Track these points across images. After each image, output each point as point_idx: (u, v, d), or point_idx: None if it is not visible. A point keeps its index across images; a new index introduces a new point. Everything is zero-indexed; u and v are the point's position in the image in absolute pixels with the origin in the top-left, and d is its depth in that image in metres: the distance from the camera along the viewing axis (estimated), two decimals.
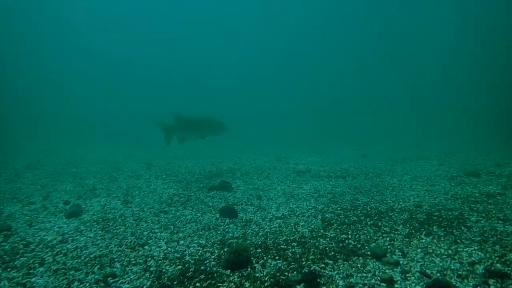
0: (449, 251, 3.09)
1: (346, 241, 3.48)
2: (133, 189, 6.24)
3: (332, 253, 3.17)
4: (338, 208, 4.76)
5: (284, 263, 2.99)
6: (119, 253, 3.36)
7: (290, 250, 3.30)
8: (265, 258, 3.13)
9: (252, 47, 48.71)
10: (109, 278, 2.82)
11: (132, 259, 3.20)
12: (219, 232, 3.98)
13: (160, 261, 3.16)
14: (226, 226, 4.17)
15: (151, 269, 3.00)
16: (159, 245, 3.57)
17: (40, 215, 4.69)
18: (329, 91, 40.31)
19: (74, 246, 3.52)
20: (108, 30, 45.91)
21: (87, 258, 3.22)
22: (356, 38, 41.28)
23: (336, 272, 2.78)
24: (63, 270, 2.97)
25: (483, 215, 4.07)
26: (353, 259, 3.02)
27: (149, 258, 3.23)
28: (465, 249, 3.11)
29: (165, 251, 3.41)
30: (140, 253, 3.36)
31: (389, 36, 37.99)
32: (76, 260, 3.18)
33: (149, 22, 47.43)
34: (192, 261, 3.14)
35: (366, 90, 38.21)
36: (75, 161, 10.14)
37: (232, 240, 3.68)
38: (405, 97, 35.41)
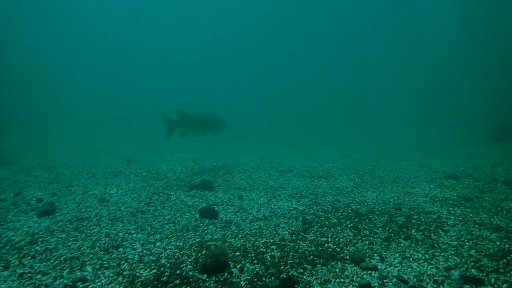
0: (426, 256, 3.11)
1: (326, 244, 3.46)
2: (111, 187, 6.05)
3: (311, 257, 3.14)
4: (319, 210, 4.75)
5: (263, 267, 2.93)
6: (91, 255, 3.22)
7: (269, 254, 3.24)
8: (243, 262, 3.06)
9: (245, 46, 48.65)
10: (79, 283, 2.69)
11: (105, 262, 3.07)
12: (197, 233, 3.88)
13: (134, 265, 3.05)
14: (205, 227, 4.08)
15: (125, 273, 2.89)
16: (135, 247, 3.45)
17: (10, 213, 4.47)
18: (315, 91, 40.61)
19: (43, 248, 3.35)
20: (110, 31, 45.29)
21: (57, 261, 3.07)
22: (348, 38, 41.71)
23: (314, 277, 2.74)
24: (29, 274, 2.82)
25: (460, 218, 4.13)
26: (332, 263, 3.00)
27: (123, 261, 3.11)
28: (442, 254, 3.14)
29: (141, 253, 3.30)
30: (114, 255, 3.24)
31: (380, 37, 38.52)
32: (44, 263, 3.03)
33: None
34: (168, 265, 3.04)
35: (352, 91, 38.70)
36: (53, 156, 9.79)
37: (210, 242, 3.59)
38: (392, 98, 36.06)
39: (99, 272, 2.89)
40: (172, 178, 6.87)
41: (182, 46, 49.78)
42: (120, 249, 3.38)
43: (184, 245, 3.52)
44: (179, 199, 5.30)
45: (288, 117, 30.74)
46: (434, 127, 22.14)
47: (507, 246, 3.23)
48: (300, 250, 3.32)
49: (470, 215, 4.25)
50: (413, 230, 3.78)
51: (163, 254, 3.28)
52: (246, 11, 46.45)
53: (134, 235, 3.79)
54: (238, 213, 4.67)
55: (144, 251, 3.35)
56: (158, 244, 3.55)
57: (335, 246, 3.41)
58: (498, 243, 3.32)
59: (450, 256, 3.07)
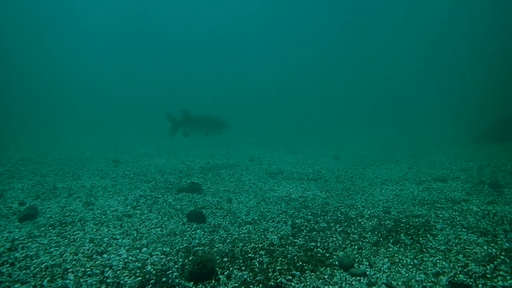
0: (415, 261, 3.10)
1: (315, 249, 3.43)
2: (97, 189, 5.92)
3: (300, 263, 3.10)
4: (309, 213, 4.72)
5: (251, 274, 2.88)
6: (74, 262, 3.11)
7: (258, 260, 3.19)
8: (231, 268, 3.00)
9: (229, 46, 48.65)
10: None
11: (88, 270, 2.98)
12: (185, 238, 3.81)
13: (119, 272, 2.96)
14: (193, 232, 4.01)
15: (108, 280, 2.80)
16: (120, 253, 3.36)
17: None
18: (305, 90, 40.76)
19: (23, 255, 3.23)
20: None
21: (37, 269, 2.96)
22: (335, 35, 41.97)
23: (302, 284, 2.70)
24: (7, 283, 2.70)
25: (448, 222, 4.15)
26: (321, 269, 2.96)
27: (107, 268, 3.01)
28: (430, 259, 3.14)
29: (126, 260, 3.21)
30: (97, 262, 3.14)
31: (371, 37, 38.87)
32: (24, 271, 2.91)
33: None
34: (154, 272, 2.96)
35: (343, 91, 38.96)
36: (37, 156, 9.55)
37: (198, 248, 3.53)
38: (383, 97, 36.41)
39: (81, 280, 2.80)
40: (160, 180, 6.76)
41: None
42: (105, 255, 3.28)
43: (171, 251, 3.44)
44: (167, 202, 5.21)
45: (278, 117, 30.74)
46: (424, 126, 22.45)
47: (494, 250, 3.25)
48: (289, 255, 3.28)
49: (458, 218, 4.28)
50: (402, 234, 3.77)
51: (149, 260, 3.20)
52: (229, 10, 46.69)
53: (120, 240, 3.69)
54: (227, 217, 4.60)
55: (130, 257, 3.26)
56: (144, 249, 3.46)
57: (324, 251, 3.38)
58: (485, 247, 3.34)
59: (438, 261, 3.07)
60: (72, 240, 3.63)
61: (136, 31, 47.20)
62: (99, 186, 6.16)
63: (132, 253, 3.35)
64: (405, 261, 3.10)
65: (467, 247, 3.38)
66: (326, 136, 21.61)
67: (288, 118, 30.55)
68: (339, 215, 4.61)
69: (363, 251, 3.36)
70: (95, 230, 3.96)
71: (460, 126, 17.95)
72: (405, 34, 37.56)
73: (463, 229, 3.87)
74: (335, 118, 30.13)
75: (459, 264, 3.00)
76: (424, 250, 3.34)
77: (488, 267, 2.93)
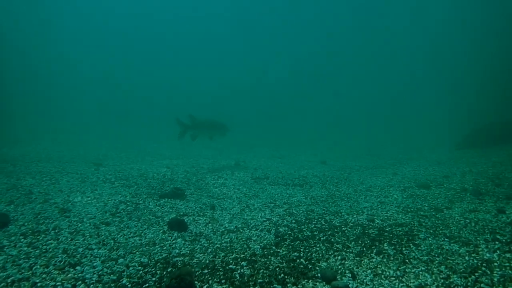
0: (398, 272, 3.07)
1: (298, 260, 3.35)
2: (75, 194, 5.70)
3: (282, 275, 3.02)
4: (293, 221, 4.65)
5: None
6: (44, 275, 2.94)
7: (239, 271, 3.09)
8: (210, 281, 2.90)
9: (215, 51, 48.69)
10: None
11: (58, 284, 2.81)
12: (164, 248, 3.68)
13: (92, 286, 2.81)
14: (174, 241, 3.88)
15: None
16: (94, 264, 3.20)
17: None
18: (292, 93, 40.82)
19: None
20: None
21: (3, 284, 2.78)
22: (323, 37, 42.29)
23: None
24: None
25: (431, 231, 4.16)
26: (303, 282, 2.89)
27: (79, 282, 2.86)
28: (413, 270, 3.11)
29: (100, 272, 3.06)
30: (69, 275, 2.98)
31: (368, 37, 39.25)
32: None
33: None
34: (130, 285, 2.83)
35: (329, 94, 39.16)
36: (15, 159, 9.20)
37: (178, 258, 3.40)
38: (378, 100, 36.70)
39: None
40: (142, 185, 6.58)
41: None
42: (78, 268, 3.12)
43: (149, 262, 3.31)
44: (148, 209, 5.05)
45: (265, 120, 30.66)
46: (409, 131, 22.76)
47: (475, 261, 3.25)
48: (271, 267, 3.20)
49: (441, 227, 4.29)
50: (385, 244, 3.74)
51: (125, 273, 3.06)
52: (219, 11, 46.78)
53: (95, 250, 3.53)
54: (210, 225, 4.49)
55: (105, 269, 3.11)
56: (120, 260, 3.31)
57: (307, 262, 3.31)
58: (467, 258, 3.34)
59: (420, 273, 3.05)
60: (44, 250, 3.45)
61: (137, 31, 47.07)
62: (77, 191, 5.94)
63: (107, 265, 3.20)
64: (388, 273, 3.06)
65: (449, 257, 3.37)
66: (314, 138, 21.71)
67: (278, 121, 30.53)
68: (323, 223, 4.56)
69: (346, 262, 3.31)
70: (69, 239, 3.78)
71: (453, 130, 18.22)
72: (404, 35, 38.06)
73: (446, 239, 3.88)
74: (327, 121, 30.22)
75: (441, 276, 2.98)
76: (407, 261, 3.31)
77: (470, 279, 2.92)
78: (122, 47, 47.33)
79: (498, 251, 3.46)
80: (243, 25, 47.29)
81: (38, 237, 3.81)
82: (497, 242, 3.71)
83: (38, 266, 3.10)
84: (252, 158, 11.87)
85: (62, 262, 3.21)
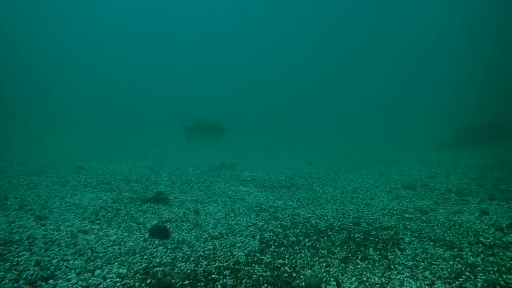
0: (383, 279, 3.02)
1: (282, 268, 3.27)
2: (54, 200, 5.48)
3: (265, 285, 2.93)
4: (278, 226, 4.57)
5: None
6: None
7: (221, 282, 2.99)
8: None
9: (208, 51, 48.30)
10: None
11: None
12: (145, 257, 3.54)
13: None
14: (155, 249, 3.74)
15: None
16: (69, 277, 3.04)
17: None
18: (292, 93, 40.80)
19: None
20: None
21: None
22: (316, 38, 42.36)
23: None
24: None
25: (416, 234, 4.14)
26: None
27: None
28: (398, 277, 3.07)
29: (75, 285, 2.91)
30: None
31: (366, 37, 39.44)
32: None
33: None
34: None
35: (319, 94, 39.34)
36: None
37: (158, 268, 3.28)
38: (374, 99, 36.94)
39: None
40: (124, 189, 6.39)
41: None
42: (51, 281, 2.96)
43: (128, 273, 3.17)
44: (129, 215, 4.89)
45: (264, 120, 30.50)
46: (397, 131, 22.99)
47: (459, 266, 3.23)
48: (254, 276, 3.10)
49: (426, 230, 4.28)
50: (370, 249, 3.70)
51: (101, 285, 2.92)
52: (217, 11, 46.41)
53: (71, 261, 3.37)
54: (193, 231, 4.37)
55: (79, 282, 2.96)
56: (97, 272, 3.16)
57: (291, 270, 3.23)
58: (451, 262, 3.32)
59: (405, 279, 3.01)
60: (14, 263, 3.26)
61: (137, 31, 46.49)
62: (56, 196, 5.71)
63: (83, 277, 3.05)
64: (372, 280, 3.01)
65: (434, 262, 3.34)
66: (302, 138, 21.74)
67: (278, 121, 30.46)
68: (309, 227, 4.50)
69: (331, 269, 3.25)
70: (43, 250, 3.60)
71: (428, 132, 18.52)
72: (404, 35, 38.39)
73: (431, 242, 3.86)
74: (327, 121, 30.25)
75: (426, 283, 2.94)
76: (392, 266, 3.27)
77: (454, 285, 2.89)
78: (122, 47, 46.75)
79: (481, 255, 3.46)
80: (243, 25, 47.05)
81: (10, 248, 3.61)
82: (480, 245, 3.71)
83: (7, 281, 2.92)
84: (239, 159, 11.75)
85: (34, 276, 3.04)
